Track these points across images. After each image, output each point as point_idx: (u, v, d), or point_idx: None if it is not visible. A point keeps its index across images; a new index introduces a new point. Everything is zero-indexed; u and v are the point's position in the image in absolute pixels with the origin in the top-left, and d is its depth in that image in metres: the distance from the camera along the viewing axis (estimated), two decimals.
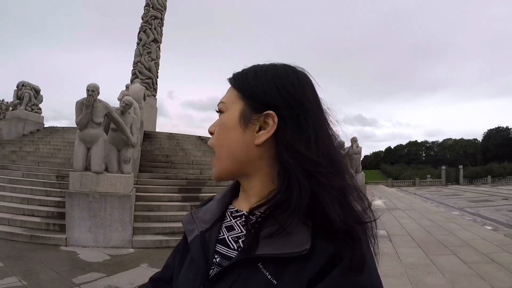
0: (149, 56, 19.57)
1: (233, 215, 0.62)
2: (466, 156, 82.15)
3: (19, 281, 3.64)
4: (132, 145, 5.98)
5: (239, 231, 0.59)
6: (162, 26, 20.62)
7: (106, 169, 5.80)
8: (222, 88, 0.64)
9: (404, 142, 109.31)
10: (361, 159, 13.16)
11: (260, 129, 0.55)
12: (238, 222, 0.60)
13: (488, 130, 78.46)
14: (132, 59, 19.79)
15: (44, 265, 4.22)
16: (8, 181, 7.88)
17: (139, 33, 19.81)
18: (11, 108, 13.88)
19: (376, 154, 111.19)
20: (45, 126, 14.53)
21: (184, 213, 5.30)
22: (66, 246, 5.23)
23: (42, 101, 14.72)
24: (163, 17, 20.53)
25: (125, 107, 6.03)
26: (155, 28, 20.00)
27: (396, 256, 4.86)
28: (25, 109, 13.63)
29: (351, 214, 0.49)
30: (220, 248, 0.58)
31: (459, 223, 8.03)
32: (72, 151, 10.12)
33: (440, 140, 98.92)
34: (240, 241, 0.57)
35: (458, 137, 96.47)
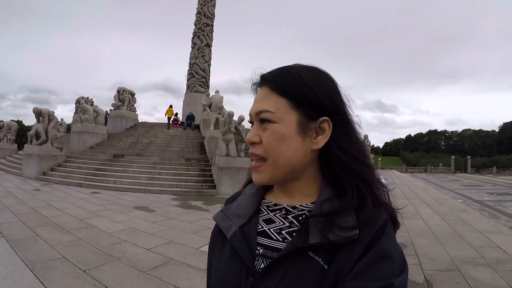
0: (203, 59, 22.91)
1: (270, 208, 0.65)
2: (484, 147, 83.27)
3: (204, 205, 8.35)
4: (245, 141, 10.50)
5: (281, 223, 0.62)
6: (213, 32, 23.72)
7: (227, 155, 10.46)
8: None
9: (424, 130, 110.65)
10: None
11: (316, 134, 0.59)
12: (277, 215, 0.64)
13: (504, 123, 77.94)
14: (187, 61, 23.27)
15: (210, 201, 8.87)
16: (153, 163, 12.20)
17: (193, 38, 23.16)
18: (113, 108, 18.34)
19: (396, 142, 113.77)
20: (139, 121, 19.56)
21: None
22: (218, 195, 10.03)
23: (136, 102, 19.36)
24: (213, 23, 23.68)
25: (230, 118, 10.38)
26: (207, 34, 23.18)
27: None
28: (126, 109, 18.42)
29: (384, 204, 0.59)
30: (262, 240, 0.61)
31: (430, 192, 13.04)
32: (176, 142, 15.11)
33: (460, 129, 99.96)
34: (283, 232, 0.60)
35: (477, 128, 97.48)
